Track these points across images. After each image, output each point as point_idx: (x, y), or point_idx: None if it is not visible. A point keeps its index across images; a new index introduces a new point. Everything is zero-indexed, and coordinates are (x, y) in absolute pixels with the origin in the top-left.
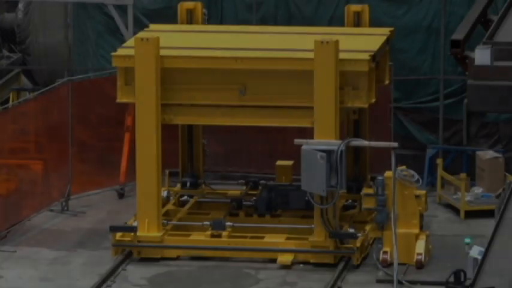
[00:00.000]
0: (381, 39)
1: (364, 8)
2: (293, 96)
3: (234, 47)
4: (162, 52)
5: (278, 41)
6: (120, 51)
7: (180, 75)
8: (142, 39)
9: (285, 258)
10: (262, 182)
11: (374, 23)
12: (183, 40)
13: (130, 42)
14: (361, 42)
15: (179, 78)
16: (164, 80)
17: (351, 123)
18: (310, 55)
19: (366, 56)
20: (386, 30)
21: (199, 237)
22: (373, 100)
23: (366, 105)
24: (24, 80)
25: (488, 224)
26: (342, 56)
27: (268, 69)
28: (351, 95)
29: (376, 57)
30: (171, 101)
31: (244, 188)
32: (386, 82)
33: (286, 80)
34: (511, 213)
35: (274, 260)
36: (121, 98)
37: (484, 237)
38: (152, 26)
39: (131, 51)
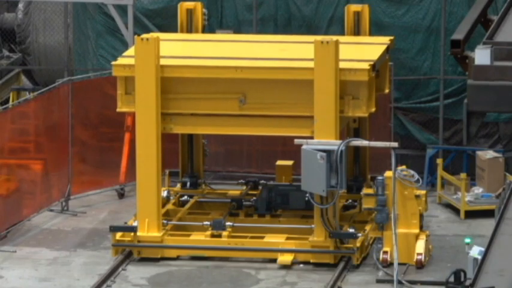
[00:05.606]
0: (381, 48)
1: (364, 8)
2: (293, 106)
3: (234, 56)
4: (163, 61)
5: (278, 50)
6: (120, 61)
7: (180, 85)
8: (142, 39)
9: (285, 258)
10: (262, 182)
11: (374, 23)
12: (183, 49)
13: (130, 51)
14: (361, 51)
15: (179, 88)
16: (164, 89)
17: (351, 132)
18: (310, 64)
19: (365, 66)
20: (386, 39)
21: (199, 237)
22: (373, 109)
23: (365, 115)
24: (24, 80)
25: (488, 224)
26: (341, 65)
27: (268, 79)
28: (351, 105)
29: (376, 67)
30: (171, 110)
31: (244, 188)
32: (386, 91)
33: (286, 90)
34: (511, 213)
35: (274, 260)
36: (121, 108)
37: (484, 237)
38: (153, 35)
39: (131, 61)
